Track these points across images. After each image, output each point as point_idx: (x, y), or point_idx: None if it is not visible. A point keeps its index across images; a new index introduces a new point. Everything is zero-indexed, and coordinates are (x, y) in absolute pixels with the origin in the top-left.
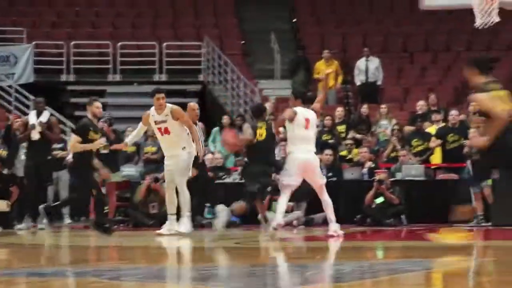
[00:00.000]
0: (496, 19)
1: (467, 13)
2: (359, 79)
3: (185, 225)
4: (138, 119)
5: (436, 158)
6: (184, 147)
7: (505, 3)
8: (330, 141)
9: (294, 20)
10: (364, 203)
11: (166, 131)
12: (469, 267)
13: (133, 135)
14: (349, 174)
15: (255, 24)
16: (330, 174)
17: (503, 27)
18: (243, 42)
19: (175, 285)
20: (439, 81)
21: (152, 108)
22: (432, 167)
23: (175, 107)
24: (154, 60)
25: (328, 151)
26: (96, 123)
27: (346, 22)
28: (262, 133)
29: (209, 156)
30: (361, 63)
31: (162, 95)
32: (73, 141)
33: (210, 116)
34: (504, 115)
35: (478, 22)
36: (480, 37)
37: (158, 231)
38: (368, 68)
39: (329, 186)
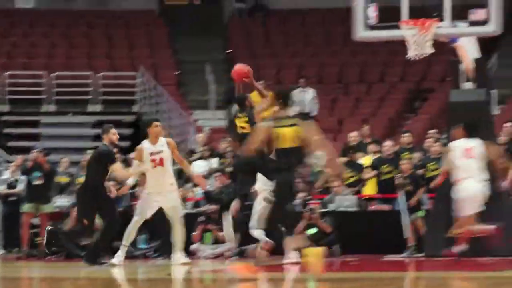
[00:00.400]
0: (429, 51)
1: (401, 45)
2: (294, 110)
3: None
4: (72, 150)
5: (369, 189)
6: (172, 183)
7: (438, 35)
8: None
9: (228, 51)
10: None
11: (161, 162)
12: None
13: (132, 175)
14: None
15: (189, 55)
16: None
17: (436, 58)
18: (177, 72)
19: None
20: (373, 112)
21: (145, 141)
22: (365, 197)
23: (169, 138)
24: (89, 91)
25: None
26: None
27: (280, 54)
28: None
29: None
30: (297, 94)
31: (159, 123)
32: (119, 169)
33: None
34: (247, 149)
35: (411, 53)
36: (413, 68)
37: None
38: (304, 98)
39: None
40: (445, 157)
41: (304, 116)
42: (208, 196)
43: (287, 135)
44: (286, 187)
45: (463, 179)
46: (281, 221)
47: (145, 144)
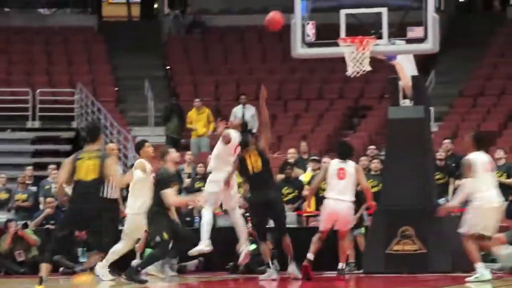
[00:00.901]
0: (367, 68)
1: (339, 62)
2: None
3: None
4: (11, 166)
5: (309, 206)
6: None
7: (376, 53)
8: (203, 188)
9: (167, 68)
10: (236, 250)
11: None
12: None
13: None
14: (223, 220)
15: (128, 71)
16: None
17: (375, 76)
18: (116, 89)
19: None
20: (312, 129)
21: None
22: (305, 214)
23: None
24: (28, 107)
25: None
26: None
27: (219, 71)
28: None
29: None
30: (237, 110)
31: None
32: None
33: None
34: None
35: (350, 70)
36: (352, 86)
37: None
38: (245, 115)
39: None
40: None
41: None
42: None
43: (86, 168)
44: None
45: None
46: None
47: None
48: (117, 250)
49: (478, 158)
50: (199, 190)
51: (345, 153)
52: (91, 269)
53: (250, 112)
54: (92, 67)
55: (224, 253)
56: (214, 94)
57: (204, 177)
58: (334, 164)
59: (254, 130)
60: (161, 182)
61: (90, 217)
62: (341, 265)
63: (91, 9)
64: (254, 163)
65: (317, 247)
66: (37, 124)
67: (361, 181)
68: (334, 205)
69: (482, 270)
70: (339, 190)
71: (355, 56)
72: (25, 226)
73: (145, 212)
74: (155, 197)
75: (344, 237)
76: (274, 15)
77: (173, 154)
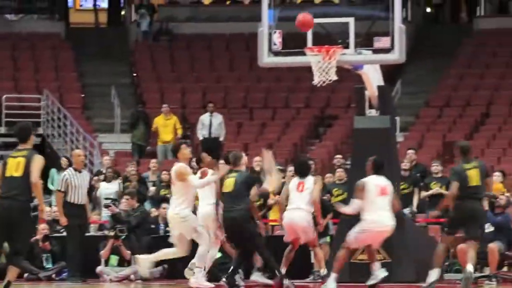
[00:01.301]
0: (334, 77)
1: (306, 71)
2: (201, 134)
3: None
4: None
5: (274, 214)
6: None
7: (343, 62)
8: (168, 195)
9: (134, 75)
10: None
11: None
12: None
13: None
14: None
15: (95, 78)
16: (167, 228)
17: (341, 85)
18: (83, 95)
19: None
20: (278, 137)
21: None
22: (270, 223)
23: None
24: None
25: (165, 205)
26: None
27: (185, 78)
28: None
29: (47, 208)
30: (205, 118)
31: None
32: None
33: (49, 169)
34: None
35: (316, 80)
36: (318, 95)
37: None
38: (212, 123)
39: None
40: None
41: (212, 140)
42: (117, 219)
43: (13, 165)
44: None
45: None
46: None
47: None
48: (202, 253)
49: (372, 182)
50: (164, 197)
51: (303, 171)
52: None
53: (217, 120)
54: (59, 73)
55: (189, 260)
56: (181, 101)
57: (168, 185)
58: (294, 180)
59: (221, 139)
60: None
61: (13, 214)
62: (321, 272)
63: (59, 16)
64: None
65: (289, 259)
66: (3, 130)
67: (314, 192)
68: (290, 216)
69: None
70: (296, 202)
71: (322, 65)
72: None
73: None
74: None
75: (313, 245)
76: (305, 17)
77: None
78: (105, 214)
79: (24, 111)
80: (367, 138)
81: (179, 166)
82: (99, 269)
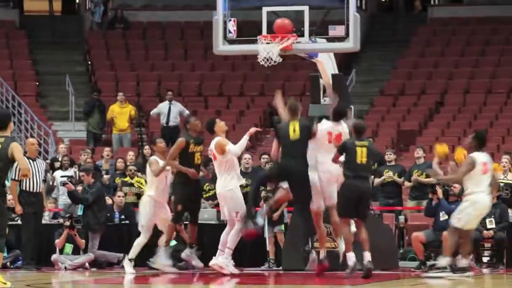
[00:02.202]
0: (278, 59)
1: None
2: (160, 122)
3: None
4: None
5: None
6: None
7: (298, 50)
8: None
9: (89, 63)
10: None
11: None
12: None
13: None
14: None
15: (49, 66)
16: (122, 216)
17: (296, 73)
18: (37, 83)
19: None
20: (233, 125)
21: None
22: None
23: None
24: None
25: (120, 193)
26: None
27: (140, 66)
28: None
29: None
30: (164, 106)
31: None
32: None
33: None
34: None
35: (260, 58)
36: (273, 83)
37: None
38: (171, 111)
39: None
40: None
41: (172, 128)
42: (74, 196)
43: None
44: None
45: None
46: None
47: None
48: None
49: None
50: (118, 186)
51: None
52: None
53: (176, 108)
54: (13, 61)
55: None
56: (136, 89)
57: (123, 173)
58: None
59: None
60: None
61: None
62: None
63: (13, 3)
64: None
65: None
66: None
67: None
68: None
69: None
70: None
71: (267, 46)
72: None
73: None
74: None
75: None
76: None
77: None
78: (62, 202)
79: None
80: None
81: (217, 139)
82: (54, 257)
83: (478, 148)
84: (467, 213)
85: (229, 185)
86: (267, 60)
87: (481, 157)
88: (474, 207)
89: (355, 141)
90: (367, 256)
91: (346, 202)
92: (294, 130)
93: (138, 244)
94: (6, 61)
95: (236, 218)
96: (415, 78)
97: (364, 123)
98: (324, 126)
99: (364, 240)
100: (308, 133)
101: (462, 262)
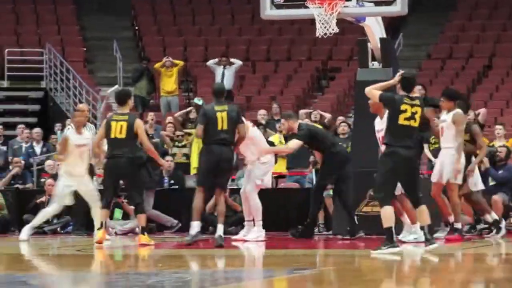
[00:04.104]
0: (335, 29)
1: (308, 23)
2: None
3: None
4: None
5: (279, 167)
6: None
7: (345, 14)
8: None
9: (136, 29)
10: (206, 211)
11: None
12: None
13: None
14: (191, 181)
15: (97, 32)
16: (171, 181)
17: (344, 38)
18: (85, 49)
19: None
20: (281, 90)
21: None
22: (275, 175)
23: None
24: None
25: (168, 157)
26: None
27: (187, 31)
28: None
29: (49, 162)
30: (219, 71)
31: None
32: None
33: (52, 123)
34: None
35: (319, 32)
36: (320, 47)
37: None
38: (225, 75)
39: (170, 193)
40: None
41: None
42: None
43: (117, 128)
44: None
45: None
46: None
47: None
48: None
49: None
50: (167, 151)
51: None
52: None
53: (230, 71)
54: (61, 27)
55: None
56: (183, 54)
57: (171, 138)
58: None
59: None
60: None
61: None
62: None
63: None
64: None
65: None
66: (5, 84)
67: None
68: None
69: None
70: None
71: (323, 17)
72: None
73: None
74: None
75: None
76: None
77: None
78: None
79: (26, 65)
80: None
81: None
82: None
83: None
84: None
85: None
86: (325, 34)
87: None
88: None
89: (214, 106)
90: (220, 229)
91: (205, 169)
92: None
93: None
94: (54, 27)
95: None
96: (463, 41)
97: (223, 86)
98: None
99: (220, 213)
100: None
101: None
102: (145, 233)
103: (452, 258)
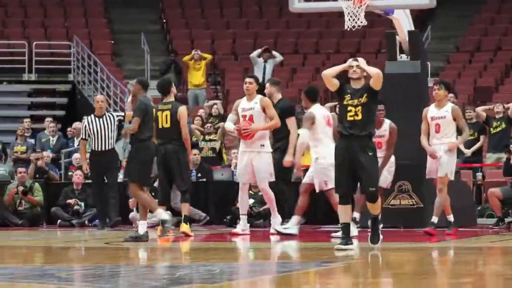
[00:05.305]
0: (364, 22)
1: (336, 16)
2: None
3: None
4: (6, 118)
5: (307, 160)
6: (263, 145)
7: (374, 7)
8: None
9: (163, 22)
10: (234, 204)
11: (251, 119)
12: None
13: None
14: (219, 175)
15: (125, 25)
16: (199, 174)
17: (372, 30)
18: (112, 42)
19: (42, 285)
20: (309, 83)
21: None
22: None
23: (266, 98)
24: (24, 59)
25: (195, 151)
26: None
27: (215, 25)
28: None
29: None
30: (260, 64)
31: (250, 79)
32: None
33: (79, 116)
34: None
35: (347, 24)
36: (348, 40)
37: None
38: (266, 69)
39: (198, 186)
40: None
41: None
42: None
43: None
44: None
45: None
46: None
47: (243, 99)
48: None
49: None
50: (196, 143)
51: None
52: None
53: (270, 65)
54: (88, 20)
55: (221, 206)
56: (211, 47)
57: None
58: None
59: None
60: None
61: None
62: None
63: None
64: None
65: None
66: (33, 76)
67: None
68: None
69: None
70: None
71: (352, 10)
72: (24, 193)
73: None
74: None
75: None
76: None
77: None
78: None
79: (54, 58)
80: (398, 83)
81: None
82: (131, 215)
83: None
84: None
85: None
86: (353, 27)
87: None
88: None
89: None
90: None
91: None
92: None
93: None
94: (82, 19)
95: None
96: (491, 34)
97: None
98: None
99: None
100: None
101: None
102: (188, 223)
103: (480, 251)
